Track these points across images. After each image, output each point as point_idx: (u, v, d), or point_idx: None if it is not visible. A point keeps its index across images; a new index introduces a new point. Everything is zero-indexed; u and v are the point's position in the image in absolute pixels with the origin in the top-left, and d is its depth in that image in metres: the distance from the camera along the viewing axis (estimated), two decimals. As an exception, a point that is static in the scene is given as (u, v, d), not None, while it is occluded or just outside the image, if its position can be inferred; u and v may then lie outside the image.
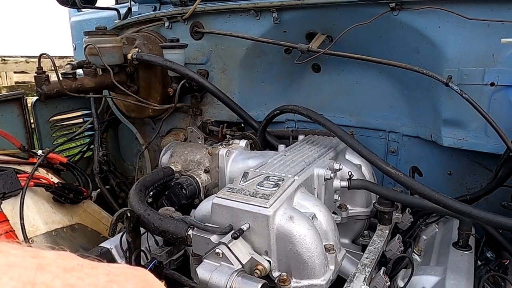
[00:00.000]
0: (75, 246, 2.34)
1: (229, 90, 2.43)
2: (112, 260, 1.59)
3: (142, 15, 2.58)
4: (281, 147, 1.93)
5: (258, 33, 2.21)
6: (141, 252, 1.50)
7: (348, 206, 1.76)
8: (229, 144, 1.86)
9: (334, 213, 1.70)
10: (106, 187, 2.89)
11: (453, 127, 1.86)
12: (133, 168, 3.02)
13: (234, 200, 1.30)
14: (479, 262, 1.64)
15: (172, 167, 1.83)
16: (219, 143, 1.87)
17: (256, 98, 2.47)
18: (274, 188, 1.33)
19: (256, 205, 1.25)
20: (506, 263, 1.56)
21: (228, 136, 2.22)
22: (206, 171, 1.68)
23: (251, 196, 1.29)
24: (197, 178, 1.64)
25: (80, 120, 2.94)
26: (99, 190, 2.54)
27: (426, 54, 1.86)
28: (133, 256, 1.39)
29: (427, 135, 2.04)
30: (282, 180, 1.39)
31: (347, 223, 1.79)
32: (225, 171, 1.71)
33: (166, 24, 2.49)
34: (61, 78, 2.06)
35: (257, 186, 1.35)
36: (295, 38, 2.15)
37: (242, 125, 2.49)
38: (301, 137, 2.05)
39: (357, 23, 1.88)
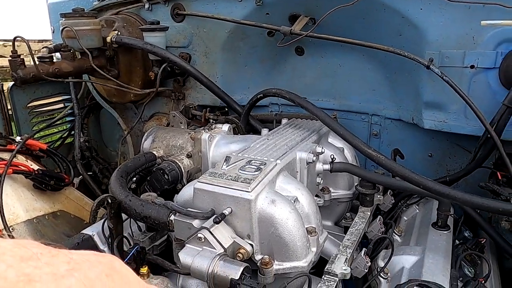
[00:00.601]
0: (57, 233, 2.32)
1: (211, 74, 2.40)
2: (94, 246, 1.58)
3: (120, -4, 2.51)
4: (264, 131, 1.93)
5: (240, 15, 2.17)
6: (124, 238, 1.49)
7: (330, 189, 1.77)
8: (211, 129, 1.84)
9: (317, 196, 1.72)
10: (89, 173, 2.85)
11: (434, 109, 1.88)
12: (116, 153, 2.98)
13: (216, 185, 1.29)
14: (457, 241, 1.68)
15: (154, 152, 1.81)
16: (202, 128, 1.85)
17: (239, 81, 2.45)
18: (256, 172, 1.33)
19: (238, 190, 1.25)
20: (482, 242, 1.61)
21: (211, 120, 2.20)
22: (189, 156, 1.67)
23: (233, 180, 1.29)
24: (179, 163, 1.63)
25: (61, 105, 2.87)
26: (81, 176, 2.51)
27: (408, 36, 1.86)
28: (115, 242, 1.38)
29: (409, 117, 2.06)
30: (264, 164, 1.39)
31: (330, 206, 1.80)
32: (207, 155, 1.70)
33: (146, 6, 2.43)
34: (37, 62, 2.00)
35: (239, 171, 1.35)
36: (278, 21, 2.13)
37: (226, 109, 2.47)
38: (284, 120, 2.05)
39: (340, 5, 1.86)
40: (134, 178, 1.87)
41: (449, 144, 2.06)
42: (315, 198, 1.67)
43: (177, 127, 2.06)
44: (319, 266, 1.40)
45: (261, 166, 1.37)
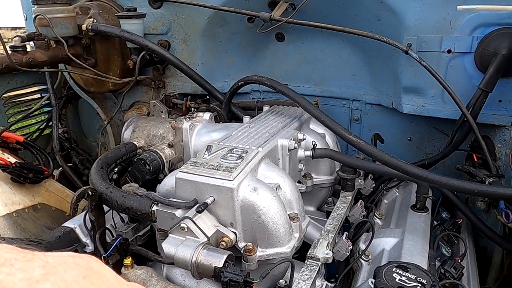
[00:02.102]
0: (39, 227, 2.28)
1: (192, 61, 2.36)
2: (76, 239, 1.56)
3: (95, -18, 2.43)
4: (246, 118, 1.92)
5: (219, 1, 2.13)
6: (107, 230, 1.48)
7: (312, 174, 1.79)
8: (192, 117, 1.83)
9: (299, 182, 1.74)
10: (69, 164, 2.80)
11: (412, 94, 1.91)
12: (96, 144, 2.92)
13: (197, 174, 1.29)
14: (435, 222, 1.73)
15: (135, 142, 1.79)
16: (183, 117, 1.83)
17: (220, 68, 2.43)
18: (238, 161, 1.33)
19: (220, 178, 1.25)
20: (459, 222, 1.66)
21: (192, 109, 2.18)
22: (170, 146, 1.65)
23: (215, 169, 1.29)
24: (160, 153, 1.62)
25: (38, 95, 2.79)
26: (61, 168, 2.46)
27: (387, 22, 1.87)
28: (97, 234, 1.36)
29: (389, 102, 2.08)
30: (246, 152, 1.39)
31: (312, 191, 1.83)
32: (189, 144, 1.69)
33: (122, -9, 2.36)
34: (9, 52, 1.93)
35: (221, 159, 1.35)
36: (258, 6, 2.10)
37: (208, 97, 2.45)
38: (266, 108, 2.05)
39: (319, -10, 1.85)
40: (116, 169, 1.86)
41: (427, 128, 2.10)
42: (298, 184, 1.70)
43: (158, 116, 2.03)
44: (303, 251, 1.43)
45: (243, 154, 1.37)
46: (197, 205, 1.23)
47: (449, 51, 1.74)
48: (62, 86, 2.89)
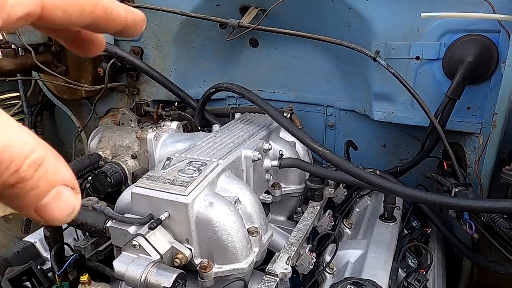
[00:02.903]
0: (9, 237, 2.25)
1: (165, 68, 2.33)
2: (36, 254, 1.53)
3: (66, -12, 2.39)
4: (215, 127, 1.89)
5: (190, 7, 2.10)
6: (68, 246, 1.45)
7: (281, 184, 1.76)
8: (160, 127, 1.79)
9: (267, 192, 1.71)
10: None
11: (383, 101, 1.88)
12: (74, 151, 2.89)
13: (152, 189, 1.26)
14: (405, 231, 1.71)
15: (100, 153, 1.75)
16: (149, 126, 1.80)
17: (194, 75, 2.39)
18: (195, 174, 1.30)
19: (174, 193, 1.22)
20: (428, 232, 1.64)
21: (164, 116, 2.15)
22: (133, 157, 1.62)
23: (170, 183, 1.26)
24: (123, 165, 1.58)
25: (10, 102, 2.74)
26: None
27: (356, 28, 1.85)
28: (52, 251, 1.33)
29: (361, 109, 2.06)
30: (205, 165, 1.36)
31: (282, 201, 1.80)
32: (154, 155, 1.66)
33: (94, -3, 2.32)
34: (-27, 61, 1.89)
35: (178, 173, 1.31)
36: (229, 12, 2.07)
37: (184, 103, 2.42)
38: (237, 115, 2.02)
39: (288, -5, 1.82)
40: (90, 178, 1.82)
41: (401, 134, 2.07)
42: (265, 195, 1.67)
43: (127, 125, 2.00)
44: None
45: (201, 167, 1.34)
46: (151, 221, 1.20)
47: (417, 58, 1.72)
48: (37, 92, 2.84)
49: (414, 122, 1.83)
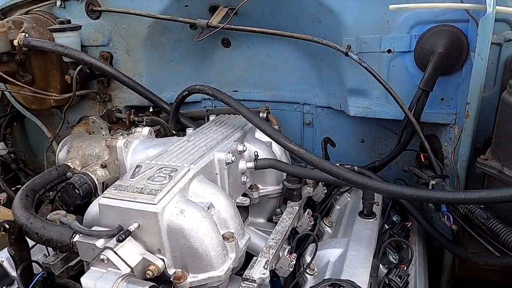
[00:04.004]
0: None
1: (136, 72, 2.27)
2: (4, 274, 1.45)
3: (29, -6, 2.31)
4: (189, 130, 1.85)
5: (158, 9, 2.05)
6: (37, 263, 1.38)
7: (259, 185, 1.72)
8: (131, 133, 1.73)
9: (244, 195, 1.67)
10: (18, 186, 2.66)
11: (357, 96, 1.87)
12: (48, 163, 2.79)
13: (120, 199, 1.20)
14: (386, 226, 1.69)
15: (70, 163, 1.69)
16: (120, 133, 1.73)
17: (167, 78, 2.34)
18: (165, 181, 1.25)
19: (143, 203, 1.17)
20: (408, 226, 1.62)
21: (137, 122, 2.09)
22: (103, 166, 1.56)
23: (139, 193, 1.21)
24: (92, 175, 1.52)
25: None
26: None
27: (327, 23, 1.83)
28: (18, 270, 1.26)
29: (337, 105, 2.04)
30: (175, 171, 1.31)
31: (261, 203, 1.76)
32: (125, 163, 1.60)
33: (58, 3, 2.25)
34: None
35: (147, 181, 1.26)
36: (199, 13, 2.03)
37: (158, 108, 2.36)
38: (212, 117, 1.97)
39: (257, -7, 1.78)
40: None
41: (378, 129, 2.06)
42: (242, 197, 1.63)
43: (98, 133, 1.93)
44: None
45: (171, 174, 1.29)
46: (120, 233, 1.14)
47: (389, 51, 1.70)
48: (6, 104, 2.74)
49: (390, 116, 1.81)
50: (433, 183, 1.47)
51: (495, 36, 1.53)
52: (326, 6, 1.75)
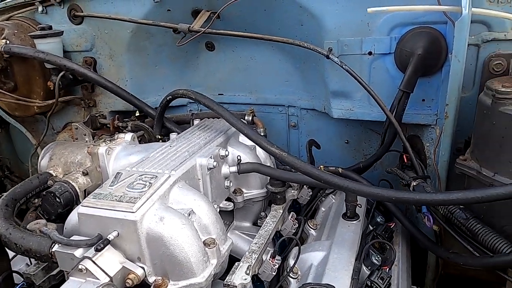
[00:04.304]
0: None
1: (120, 77, 2.26)
2: (-16, 284, 1.44)
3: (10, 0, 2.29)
4: (173, 135, 1.85)
5: (140, 13, 2.04)
6: (16, 273, 1.37)
7: (243, 189, 1.72)
8: (113, 139, 1.72)
9: (228, 199, 1.67)
10: (3, 194, 2.63)
11: (340, 98, 1.87)
12: (34, 169, 2.76)
13: (99, 208, 1.20)
14: (370, 227, 1.70)
15: (52, 171, 1.67)
16: (103, 140, 1.72)
17: (151, 83, 2.33)
18: (145, 189, 1.25)
19: (122, 211, 1.17)
20: (392, 227, 1.63)
21: (121, 128, 2.07)
22: (85, 174, 1.55)
23: (118, 201, 1.20)
24: (73, 183, 1.51)
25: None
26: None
27: (309, 26, 1.83)
28: (-2, 281, 1.25)
29: (321, 107, 2.05)
30: (155, 178, 1.30)
31: (246, 206, 1.76)
32: (107, 170, 1.59)
33: (40, 9, 2.23)
34: None
35: (127, 189, 1.26)
36: (181, 17, 2.02)
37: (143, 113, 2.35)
38: (196, 122, 1.97)
39: (237, -3, 1.78)
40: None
41: (363, 130, 2.07)
42: (225, 202, 1.63)
43: (81, 140, 1.92)
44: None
45: (151, 181, 1.29)
46: (98, 242, 1.14)
47: (370, 53, 1.71)
48: (-11, 111, 2.71)
49: (372, 118, 1.82)
50: (414, 184, 1.48)
51: (472, 37, 1.54)
52: (307, 9, 1.76)
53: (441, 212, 1.39)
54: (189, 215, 1.26)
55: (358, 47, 1.72)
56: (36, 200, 1.86)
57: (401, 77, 1.67)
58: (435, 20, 1.58)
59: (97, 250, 1.12)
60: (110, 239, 1.15)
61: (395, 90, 1.70)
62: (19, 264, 1.50)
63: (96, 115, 2.15)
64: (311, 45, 1.73)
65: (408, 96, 1.63)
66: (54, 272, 1.41)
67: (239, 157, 1.63)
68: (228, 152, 1.60)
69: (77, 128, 1.95)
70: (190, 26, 1.86)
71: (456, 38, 1.37)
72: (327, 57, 1.70)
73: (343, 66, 1.67)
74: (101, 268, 1.11)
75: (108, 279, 1.11)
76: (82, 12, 2.17)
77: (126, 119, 2.25)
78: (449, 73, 1.43)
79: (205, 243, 1.26)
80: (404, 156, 1.74)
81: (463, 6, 1.33)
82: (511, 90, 1.21)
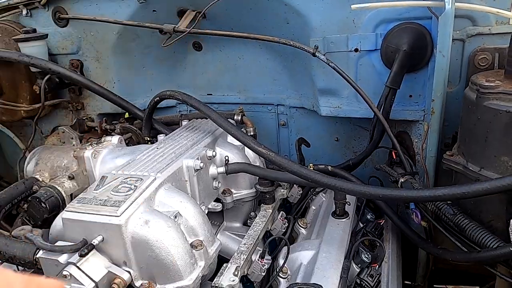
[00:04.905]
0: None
1: (107, 79, 2.24)
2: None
3: (-7, 3, 2.26)
4: (160, 137, 1.83)
5: (125, 14, 2.03)
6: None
7: (232, 190, 1.71)
8: (100, 142, 1.71)
9: (217, 200, 1.66)
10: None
11: (328, 96, 1.87)
12: (22, 174, 2.74)
13: (83, 212, 1.18)
14: (361, 225, 1.70)
15: (38, 176, 1.65)
16: (89, 143, 1.71)
17: (139, 84, 2.31)
18: (129, 192, 1.23)
19: (106, 215, 1.15)
20: (381, 224, 1.63)
21: (109, 131, 2.06)
22: (71, 178, 1.53)
23: (102, 205, 1.19)
24: (59, 188, 1.49)
25: None
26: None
27: (295, 24, 1.82)
28: (-18, 289, 1.23)
29: (310, 105, 2.04)
30: (141, 181, 1.29)
31: (236, 207, 1.75)
32: (93, 174, 1.58)
33: (24, 12, 2.20)
34: None
35: (111, 192, 1.24)
36: (167, 17, 2.01)
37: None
38: (184, 122, 1.95)
39: (222, -4, 1.77)
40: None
41: (352, 127, 2.07)
42: (214, 203, 1.62)
43: (68, 144, 1.90)
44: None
45: (136, 184, 1.28)
46: (82, 247, 1.12)
47: (356, 50, 1.71)
48: (-23, 116, 2.68)
49: (360, 115, 1.82)
50: (402, 180, 1.48)
51: (457, 32, 1.54)
52: (292, 7, 1.75)
53: (429, 208, 1.38)
54: (175, 217, 1.25)
55: (344, 44, 1.71)
56: (26, 205, 1.85)
57: (387, 73, 1.67)
58: (420, 16, 1.57)
59: (82, 256, 1.11)
60: (94, 244, 1.14)
61: (381, 87, 1.70)
62: (6, 271, 1.48)
63: (84, 118, 2.13)
64: (297, 43, 1.72)
65: (395, 93, 1.63)
66: (41, 279, 1.39)
67: (226, 158, 1.62)
68: (216, 153, 1.59)
69: (64, 132, 1.93)
70: (175, 27, 1.85)
71: (440, 33, 1.36)
72: (313, 54, 1.69)
73: (330, 64, 1.66)
74: (86, 274, 1.10)
75: (93, 284, 1.10)
76: (67, 14, 2.15)
77: (115, 122, 2.23)
78: (434, 69, 1.42)
79: (192, 245, 1.25)
80: (393, 153, 1.74)
81: (446, 1, 1.33)
82: (495, 84, 1.21)
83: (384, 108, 1.65)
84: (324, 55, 1.71)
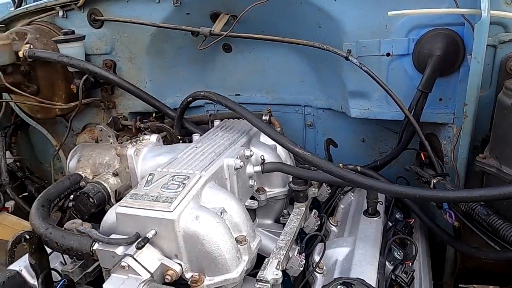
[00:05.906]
0: (-7, 265, 2.19)
1: (139, 79, 2.31)
2: (23, 282, 1.50)
3: (30, 4, 2.34)
4: (195, 136, 1.89)
5: (160, 17, 2.09)
6: (56, 271, 1.42)
7: (266, 188, 1.77)
8: (140, 141, 1.78)
9: (252, 198, 1.72)
10: (25, 194, 2.71)
11: (358, 98, 1.92)
12: (55, 171, 2.83)
13: (137, 207, 1.25)
14: (390, 224, 1.76)
15: (81, 172, 1.73)
16: (129, 141, 1.78)
17: (170, 84, 2.38)
18: (179, 189, 1.30)
19: (159, 210, 1.22)
20: (411, 223, 1.68)
21: (142, 129, 2.13)
22: (115, 174, 1.61)
23: (154, 201, 1.26)
24: (104, 184, 1.57)
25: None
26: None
27: (327, 28, 1.88)
28: (39, 278, 1.31)
29: (338, 107, 2.09)
30: (188, 179, 1.36)
31: (268, 204, 1.81)
32: (136, 171, 1.65)
33: (61, 13, 2.28)
34: None
35: (161, 189, 1.31)
36: (200, 20, 2.07)
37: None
38: (216, 122, 2.02)
39: (257, 1, 1.83)
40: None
41: (379, 128, 2.12)
42: (250, 200, 1.68)
43: (106, 141, 1.97)
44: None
45: (184, 181, 1.34)
46: (138, 240, 1.19)
47: (388, 54, 1.76)
48: (10, 113, 2.77)
49: (390, 117, 1.87)
50: (435, 181, 1.53)
51: (490, 38, 1.58)
52: (325, 12, 1.80)
53: (462, 208, 1.44)
54: (221, 213, 1.32)
55: (376, 49, 1.77)
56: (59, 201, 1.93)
57: (418, 77, 1.72)
58: (453, 22, 1.62)
59: (138, 248, 1.17)
60: (149, 237, 1.20)
61: (412, 90, 1.75)
62: (53, 262, 1.56)
63: (118, 117, 2.20)
64: (330, 47, 1.78)
65: (426, 96, 1.68)
66: (90, 269, 1.47)
67: (262, 157, 1.69)
68: (253, 152, 1.65)
69: (101, 130, 2.00)
70: (211, 30, 1.91)
71: (476, 40, 1.41)
72: (347, 58, 1.74)
73: (362, 67, 1.72)
74: (142, 265, 1.17)
75: (149, 275, 1.17)
76: (102, 16, 2.22)
77: (145, 120, 2.30)
78: (469, 74, 1.47)
79: (237, 240, 1.31)
80: (422, 154, 1.79)
81: (483, 9, 1.37)
82: (530, 90, 1.26)
83: (415, 111, 1.70)
84: (356, 58, 1.76)
